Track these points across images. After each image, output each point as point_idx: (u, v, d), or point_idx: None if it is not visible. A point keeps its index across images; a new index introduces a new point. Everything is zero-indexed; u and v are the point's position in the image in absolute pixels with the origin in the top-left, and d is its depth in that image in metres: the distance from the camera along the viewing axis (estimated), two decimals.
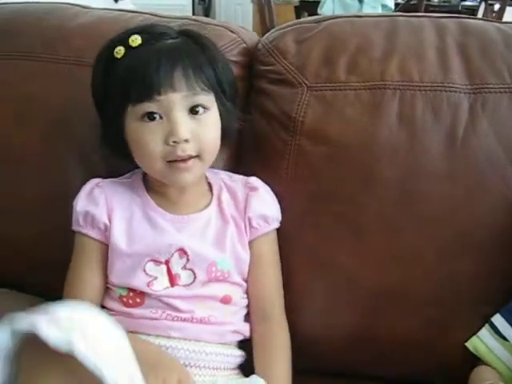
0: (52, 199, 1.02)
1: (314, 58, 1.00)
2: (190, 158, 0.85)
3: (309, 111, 0.97)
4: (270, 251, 0.95)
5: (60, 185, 1.01)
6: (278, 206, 0.95)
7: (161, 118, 0.84)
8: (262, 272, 0.94)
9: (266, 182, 0.97)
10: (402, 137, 0.94)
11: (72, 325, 0.64)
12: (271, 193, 0.96)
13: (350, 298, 0.95)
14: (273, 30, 1.07)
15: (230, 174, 0.99)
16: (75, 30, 1.08)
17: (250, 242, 0.93)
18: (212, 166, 0.96)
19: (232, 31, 1.07)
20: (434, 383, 0.95)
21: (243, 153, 1.02)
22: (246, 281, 0.94)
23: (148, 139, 0.84)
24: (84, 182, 0.93)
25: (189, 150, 0.84)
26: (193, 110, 0.85)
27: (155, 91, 0.82)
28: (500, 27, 1.02)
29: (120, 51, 0.85)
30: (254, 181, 0.96)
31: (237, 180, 0.97)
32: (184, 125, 0.83)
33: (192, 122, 0.85)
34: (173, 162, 0.85)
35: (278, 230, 0.96)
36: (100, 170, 0.97)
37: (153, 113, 0.84)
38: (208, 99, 0.87)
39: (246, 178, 0.97)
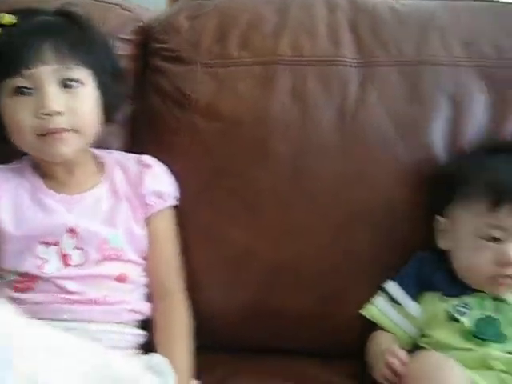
0: None
1: (207, 35, 1.00)
2: (64, 130, 0.83)
3: (202, 88, 0.98)
4: (166, 228, 0.94)
5: None
6: (173, 183, 0.95)
7: (32, 92, 0.83)
8: (159, 249, 0.93)
9: (161, 160, 0.96)
10: (293, 112, 0.95)
11: None
12: (166, 170, 0.96)
13: (246, 273, 0.96)
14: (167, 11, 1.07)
15: (124, 153, 0.98)
16: None
17: (146, 220, 0.93)
18: (107, 147, 0.95)
19: (125, 9, 1.06)
20: (331, 355, 0.96)
21: (138, 132, 1.01)
22: (146, 259, 0.93)
23: (19, 113, 0.83)
24: None
25: (62, 123, 0.84)
26: (65, 84, 0.85)
27: (24, 65, 0.82)
28: (391, 4, 1.04)
29: None
30: (147, 159, 0.95)
31: (130, 158, 0.96)
32: (54, 97, 0.83)
33: (65, 95, 0.85)
34: (45, 135, 0.84)
35: (175, 207, 0.95)
36: None
37: (24, 87, 0.83)
38: (83, 74, 0.87)
39: (139, 156, 0.96)
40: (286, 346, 0.97)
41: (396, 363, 0.82)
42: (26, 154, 0.91)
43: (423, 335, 0.91)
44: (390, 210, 0.94)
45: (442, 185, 0.90)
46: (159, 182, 0.94)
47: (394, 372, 0.82)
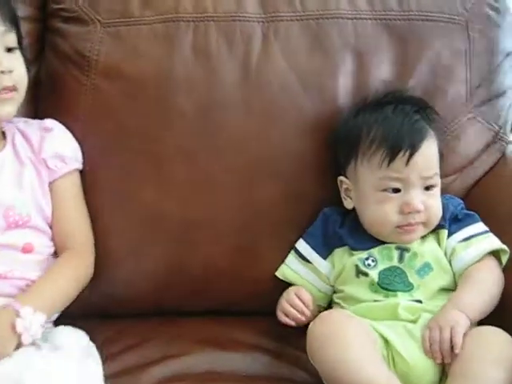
0: None
1: None
2: (10, 89, 0.87)
3: (103, 49, 0.98)
4: (71, 192, 0.95)
5: None
6: (76, 146, 0.96)
7: None
8: (64, 214, 0.94)
9: (64, 124, 0.96)
10: (197, 69, 0.97)
11: None
12: (68, 133, 0.96)
13: (157, 234, 0.97)
14: None
15: (27, 119, 0.97)
16: None
17: (50, 185, 0.93)
18: None
19: None
20: (247, 313, 0.99)
21: (41, 96, 1.00)
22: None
23: None
24: None
25: (8, 82, 0.87)
26: (9, 49, 0.88)
27: None
28: None
29: None
30: (49, 122, 0.95)
31: (32, 124, 0.96)
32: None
33: (8, 57, 0.87)
34: None
35: (81, 171, 0.96)
36: None
37: None
38: (15, 38, 0.89)
39: (41, 121, 0.95)
40: (200, 307, 0.99)
41: (295, 299, 0.87)
42: None
43: (336, 291, 0.94)
44: (296, 165, 0.97)
45: (342, 143, 0.93)
46: (61, 145, 0.94)
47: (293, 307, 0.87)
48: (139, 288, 0.98)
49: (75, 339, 0.87)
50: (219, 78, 0.97)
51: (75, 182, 0.95)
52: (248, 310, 0.99)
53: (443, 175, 1.00)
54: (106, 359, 0.86)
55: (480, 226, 0.93)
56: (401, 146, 0.88)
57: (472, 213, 0.95)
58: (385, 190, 0.90)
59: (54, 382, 0.75)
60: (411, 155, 0.88)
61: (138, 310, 0.99)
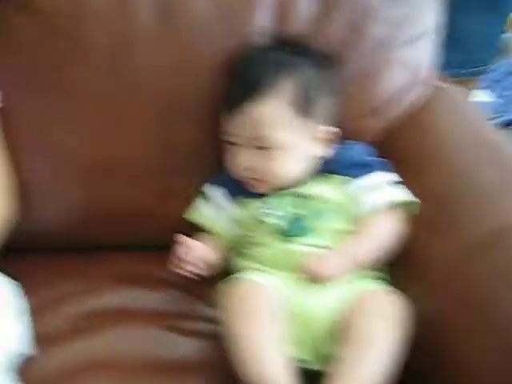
0: None
1: None
2: None
3: None
4: None
5: None
6: None
7: None
8: None
9: None
10: (111, 4, 0.96)
11: None
12: None
13: (72, 174, 0.99)
14: None
15: None
16: None
17: None
18: None
19: None
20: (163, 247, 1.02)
21: None
22: None
23: None
24: None
25: None
26: None
27: None
28: None
29: None
30: None
31: None
32: None
33: None
34: None
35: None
36: None
37: None
38: None
39: None
40: (115, 243, 1.03)
41: (180, 249, 0.89)
42: None
43: (242, 235, 0.97)
44: (209, 105, 0.98)
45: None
46: None
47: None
48: (55, 224, 1.01)
49: None
50: (134, 12, 0.96)
51: None
52: (162, 245, 0.99)
53: (359, 116, 1.03)
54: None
55: (386, 175, 0.94)
56: (229, 99, 0.91)
57: (380, 160, 0.97)
58: (229, 143, 0.92)
59: None
60: (235, 113, 0.89)
61: (55, 245, 1.01)
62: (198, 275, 0.92)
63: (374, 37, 1.05)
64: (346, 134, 1.03)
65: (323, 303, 0.85)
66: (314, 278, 0.84)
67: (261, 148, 0.90)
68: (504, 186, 0.89)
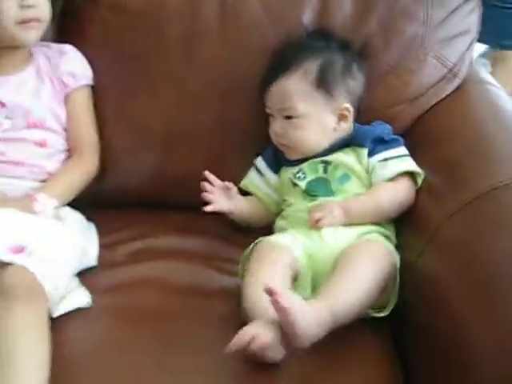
0: None
1: None
2: (36, 20, 1.13)
3: None
4: (82, 103, 1.22)
5: None
6: (87, 67, 1.22)
7: None
8: (77, 120, 1.21)
9: (77, 47, 1.23)
10: (184, 5, 1.21)
11: None
12: (80, 55, 1.22)
13: (147, 142, 1.23)
14: None
15: (49, 43, 1.25)
16: None
17: (66, 97, 1.20)
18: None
19: None
20: None
21: (60, 24, 1.28)
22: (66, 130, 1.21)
23: (3, 4, 1.09)
24: None
25: (36, 14, 1.12)
26: None
27: None
28: None
29: None
30: (66, 47, 1.22)
31: (52, 47, 1.23)
32: None
33: None
34: (22, 23, 1.11)
35: (92, 87, 1.23)
36: None
37: None
38: None
39: (61, 45, 1.23)
40: (176, 202, 1.24)
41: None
42: None
43: (283, 200, 1.17)
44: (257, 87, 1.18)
45: None
46: (74, 65, 1.21)
47: None
48: (130, 183, 1.25)
49: (75, 215, 1.16)
50: (201, 12, 1.20)
51: (85, 95, 1.22)
52: None
53: (395, 104, 1.20)
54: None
55: (401, 150, 1.10)
56: (266, 77, 1.11)
57: (396, 137, 1.12)
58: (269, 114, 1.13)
59: (58, 237, 1.03)
60: (268, 88, 1.10)
61: (129, 200, 1.26)
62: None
63: (411, 34, 1.21)
64: (382, 118, 1.19)
65: (327, 250, 1.02)
66: (311, 219, 1.01)
67: (288, 117, 1.10)
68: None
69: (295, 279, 0.99)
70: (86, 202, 1.20)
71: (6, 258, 0.90)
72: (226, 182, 1.15)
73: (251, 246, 1.03)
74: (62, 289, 0.97)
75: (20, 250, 0.92)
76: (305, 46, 1.13)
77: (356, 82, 1.13)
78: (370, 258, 0.95)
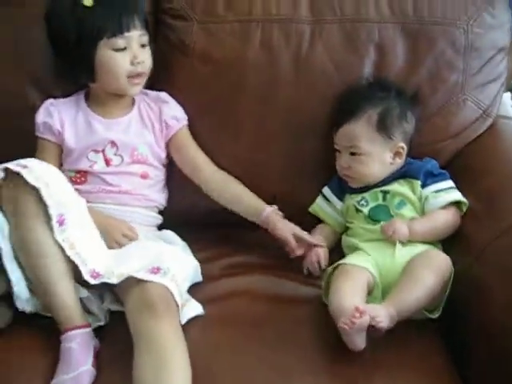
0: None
1: None
2: (143, 74, 1.38)
3: (198, 39, 1.47)
4: (188, 138, 1.46)
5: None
6: (182, 110, 1.47)
7: (126, 48, 1.33)
8: (191, 151, 1.46)
9: (169, 93, 1.48)
10: (263, 57, 1.45)
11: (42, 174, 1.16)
12: (175, 101, 1.47)
13: (232, 169, 1.48)
14: None
15: (147, 91, 1.48)
16: None
17: (173, 137, 1.45)
18: None
19: None
20: None
21: (153, 71, 1.52)
22: (163, 165, 1.47)
23: (118, 62, 1.34)
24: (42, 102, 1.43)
25: (144, 68, 1.38)
26: (142, 45, 1.37)
27: (124, 29, 1.32)
28: None
29: (88, 1, 1.31)
30: (164, 95, 1.47)
31: (151, 94, 1.48)
32: (141, 52, 1.36)
33: (143, 51, 1.38)
34: (133, 77, 1.36)
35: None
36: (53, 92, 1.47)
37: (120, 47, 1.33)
38: (147, 38, 1.39)
39: (158, 93, 1.47)
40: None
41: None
42: (78, 89, 1.44)
43: (346, 222, 1.43)
44: (328, 123, 1.44)
45: None
46: (175, 109, 1.45)
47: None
48: (213, 207, 1.50)
49: (177, 238, 1.42)
50: (278, 63, 1.44)
51: (187, 131, 1.47)
52: None
53: (440, 140, 1.47)
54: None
55: (449, 183, 1.34)
56: (335, 120, 1.37)
57: (444, 171, 1.36)
58: (336, 150, 1.38)
59: (180, 257, 1.27)
60: (337, 129, 1.36)
61: (213, 221, 1.50)
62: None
63: (453, 82, 1.47)
64: (429, 152, 1.46)
65: (396, 266, 1.27)
66: (385, 235, 1.28)
67: (353, 154, 1.36)
68: None
69: (369, 293, 1.25)
70: (175, 222, 1.46)
71: (148, 277, 1.15)
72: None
73: (331, 269, 1.28)
74: (184, 300, 1.23)
75: (157, 270, 1.16)
76: (367, 95, 1.38)
77: (409, 125, 1.40)
78: (433, 267, 1.21)
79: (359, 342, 1.12)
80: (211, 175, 1.44)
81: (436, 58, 1.45)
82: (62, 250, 1.15)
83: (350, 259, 1.29)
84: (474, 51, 1.46)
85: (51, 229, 1.14)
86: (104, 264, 1.20)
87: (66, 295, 1.16)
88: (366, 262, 1.27)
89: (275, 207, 1.40)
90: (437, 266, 1.22)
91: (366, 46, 1.45)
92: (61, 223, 1.14)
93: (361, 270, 1.25)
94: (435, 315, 1.24)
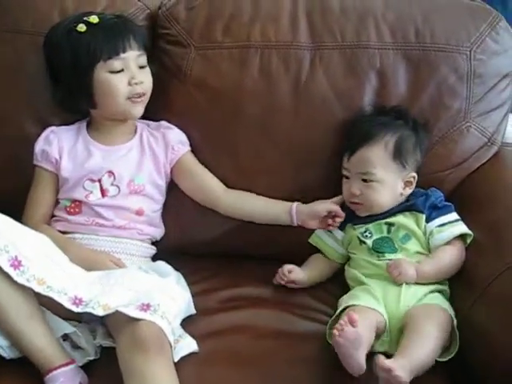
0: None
1: (199, 24, 1.49)
2: (143, 94, 1.39)
3: (195, 65, 1.47)
4: (193, 162, 1.47)
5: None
6: (185, 135, 1.48)
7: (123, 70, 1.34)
8: (199, 174, 1.47)
9: (166, 119, 1.49)
10: (261, 84, 1.45)
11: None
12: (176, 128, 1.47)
13: None
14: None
15: (148, 122, 1.49)
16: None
17: (178, 161, 1.46)
18: None
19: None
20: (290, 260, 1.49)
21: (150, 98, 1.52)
22: (162, 195, 1.47)
23: (117, 84, 1.35)
24: (41, 131, 1.45)
25: (143, 89, 1.39)
26: (141, 66, 1.39)
27: (120, 50, 1.34)
28: None
29: (82, 27, 1.35)
30: (165, 123, 1.48)
31: (151, 124, 1.49)
32: (139, 73, 1.38)
33: (141, 71, 1.39)
34: (131, 98, 1.37)
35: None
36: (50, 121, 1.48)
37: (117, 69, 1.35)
38: (145, 59, 1.40)
39: (158, 122, 1.48)
40: (258, 254, 1.50)
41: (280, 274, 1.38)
42: (77, 117, 1.45)
43: (349, 253, 1.43)
44: (331, 155, 1.45)
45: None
46: (179, 135, 1.47)
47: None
48: (214, 237, 1.51)
49: (171, 270, 1.41)
50: (277, 91, 1.45)
51: (192, 156, 1.48)
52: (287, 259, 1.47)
53: (442, 169, 1.46)
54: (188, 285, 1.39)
55: (453, 215, 1.34)
56: (349, 145, 1.36)
57: (449, 204, 1.36)
58: (344, 176, 1.38)
59: (171, 292, 1.25)
60: (351, 155, 1.35)
61: (213, 251, 1.51)
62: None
63: (456, 109, 1.47)
64: (431, 182, 1.45)
65: (401, 308, 1.26)
66: (391, 275, 1.28)
67: (365, 180, 1.35)
68: None
69: (377, 337, 1.23)
70: (171, 252, 1.46)
71: (138, 315, 1.13)
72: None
73: (339, 311, 1.27)
74: (177, 336, 1.22)
75: (147, 307, 1.15)
76: (384, 121, 1.38)
77: (422, 154, 1.40)
78: (432, 321, 1.20)
79: (355, 364, 1.12)
80: (226, 193, 1.45)
81: (438, 85, 1.45)
82: (29, 291, 1.14)
83: (360, 299, 1.27)
84: (477, 78, 1.46)
85: (9, 276, 1.11)
86: (87, 289, 1.19)
87: (39, 338, 1.15)
88: (378, 305, 1.26)
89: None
90: (436, 318, 1.22)
91: (367, 73, 1.45)
92: (17, 266, 1.13)
93: (372, 312, 1.24)
94: (445, 358, 1.22)
